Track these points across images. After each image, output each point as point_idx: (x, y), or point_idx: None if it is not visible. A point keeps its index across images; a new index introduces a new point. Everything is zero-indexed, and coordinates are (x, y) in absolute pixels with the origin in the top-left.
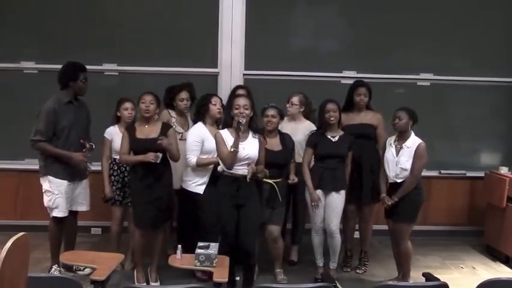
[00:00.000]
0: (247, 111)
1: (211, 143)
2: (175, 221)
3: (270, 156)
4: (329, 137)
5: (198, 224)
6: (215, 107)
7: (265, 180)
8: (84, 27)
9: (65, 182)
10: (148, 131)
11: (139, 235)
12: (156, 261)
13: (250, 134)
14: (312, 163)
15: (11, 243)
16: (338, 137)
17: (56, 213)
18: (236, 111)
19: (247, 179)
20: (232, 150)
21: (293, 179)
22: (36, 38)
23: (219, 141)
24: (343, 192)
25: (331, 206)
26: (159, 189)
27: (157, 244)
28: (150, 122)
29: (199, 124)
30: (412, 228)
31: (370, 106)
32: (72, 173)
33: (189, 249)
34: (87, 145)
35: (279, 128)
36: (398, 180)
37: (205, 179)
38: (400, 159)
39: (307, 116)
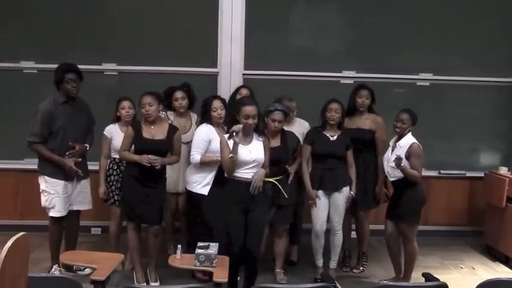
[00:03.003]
0: (255, 121)
1: (217, 144)
2: (177, 221)
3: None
4: (328, 135)
5: (204, 225)
6: (215, 113)
7: (266, 179)
8: (83, 27)
9: (61, 182)
10: (154, 132)
11: (131, 229)
12: (154, 260)
13: (255, 137)
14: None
15: (11, 243)
16: (337, 136)
17: (53, 213)
18: (245, 121)
19: (253, 191)
20: (230, 156)
21: (290, 171)
22: (35, 37)
23: (222, 145)
24: (345, 189)
25: (334, 204)
26: (151, 190)
27: (152, 244)
28: (155, 123)
29: (208, 124)
30: (416, 228)
31: (373, 109)
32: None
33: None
34: (77, 147)
35: None
36: (392, 179)
37: (209, 180)
38: (392, 157)
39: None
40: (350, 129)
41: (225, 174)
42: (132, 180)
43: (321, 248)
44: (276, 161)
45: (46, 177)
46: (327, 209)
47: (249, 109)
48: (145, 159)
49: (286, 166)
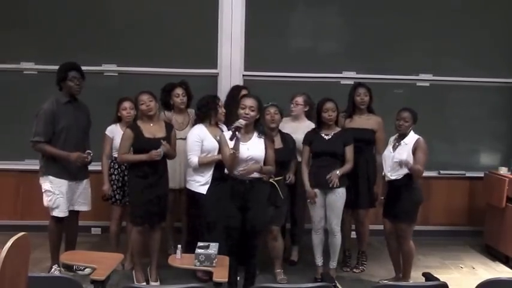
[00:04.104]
0: (252, 113)
1: (210, 143)
2: (177, 221)
3: None
4: (323, 135)
5: (204, 224)
6: (221, 110)
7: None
8: (83, 28)
9: (65, 182)
10: (154, 130)
11: (137, 232)
12: (155, 260)
13: (255, 135)
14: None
15: (11, 243)
16: (332, 134)
17: (57, 213)
18: (242, 111)
19: (239, 173)
20: (231, 152)
21: (289, 176)
22: (35, 38)
23: (223, 143)
24: (341, 190)
25: (331, 205)
26: (159, 188)
27: (155, 243)
28: (153, 120)
29: (200, 125)
30: (413, 228)
31: (372, 109)
32: (72, 172)
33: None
34: (89, 157)
35: (280, 127)
36: (393, 177)
37: (208, 179)
38: (396, 154)
39: (309, 115)
40: (352, 128)
41: (225, 171)
42: (139, 181)
43: (321, 245)
44: (278, 163)
45: (51, 178)
46: (323, 206)
47: (245, 100)
48: (154, 154)
49: (287, 176)
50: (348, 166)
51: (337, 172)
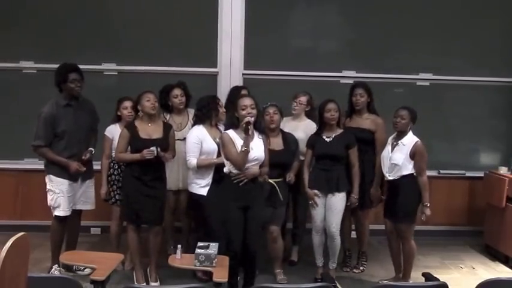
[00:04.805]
0: (254, 111)
1: (209, 144)
2: (178, 221)
3: (272, 156)
4: (324, 137)
5: (205, 226)
6: (222, 110)
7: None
8: (83, 27)
9: (65, 181)
10: (151, 131)
11: (131, 230)
12: (155, 260)
13: (256, 135)
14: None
15: (11, 243)
16: (333, 137)
17: (58, 212)
18: (244, 112)
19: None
20: (243, 149)
21: (289, 176)
22: (35, 37)
23: (227, 142)
24: (342, 194)
25: (331, 208)
26: (153, 189)
27: (154, 244)
28: (152, 120)
29: (199, 126)
30: (413, 227)
31: (374, 109)
32: (73, 174)
33: None
34: (88, 155)
35: (280, 126)
36: (391, 177)
37: (208, 181)
38: (393, 155)
39: (309, 114)
40: (350, 127)
41: (225, 170)
42: (134, 181)
43: (321, 246)
44: (279, 164)
45: (52, 177)
46: (323, 208)
47: (244, 101)
48: (146, 152)
49: (287, 176)
50: (355, 174)
51: (355, 197)
